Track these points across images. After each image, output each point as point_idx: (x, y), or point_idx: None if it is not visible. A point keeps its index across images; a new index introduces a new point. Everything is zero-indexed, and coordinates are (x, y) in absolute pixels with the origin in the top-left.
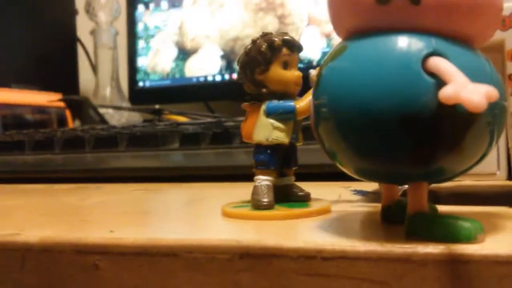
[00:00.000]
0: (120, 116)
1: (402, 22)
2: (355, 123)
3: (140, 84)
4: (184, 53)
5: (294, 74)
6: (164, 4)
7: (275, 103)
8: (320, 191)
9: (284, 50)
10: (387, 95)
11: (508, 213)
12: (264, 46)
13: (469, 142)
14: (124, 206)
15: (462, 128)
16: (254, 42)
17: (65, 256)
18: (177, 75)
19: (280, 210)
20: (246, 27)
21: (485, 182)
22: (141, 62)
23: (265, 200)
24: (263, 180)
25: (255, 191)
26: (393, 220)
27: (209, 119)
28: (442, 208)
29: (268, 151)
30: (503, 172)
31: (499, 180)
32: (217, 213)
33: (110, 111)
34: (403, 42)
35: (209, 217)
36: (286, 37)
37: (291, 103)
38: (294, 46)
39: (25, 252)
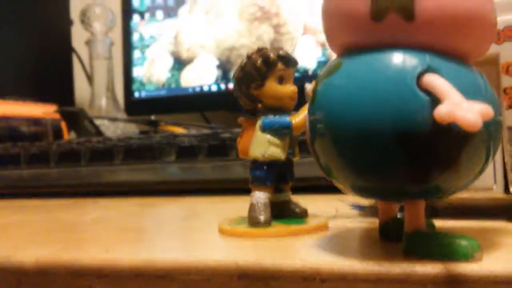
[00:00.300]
0: (116, 127)
1: (396, 39)
2: (350, 140)
3: (136, 94)
4: (179, 63)
5: (289, 89)
6: (159, 14)
7: (270, 118)
8: (317, 205)
9: (280, 65)
10: (382, 112)
11: (506, 228)
12: (259, 61)
13: (465, 159)
14: (120, 222)
15: (458, 145)
16: (249, 57)
17: (60, 278)
18: (173, 85)
19: (277, 228)
20: (241, 36)
21: (483, 194)
22: (137, 72)
23: (262, 217)
24: (260, 197)
25: (251, 208)
26: (391, 236)
27: (205, 131)
28: (439, 223)
29: (265, 167)
30: (499, 187)
31: (496, 195)
32: (214, 230)
33: (106, 122)
34: (397, 59)
35: (206, 234)
36: (281, 52)
37: (286, 118)
38: (289, 61)
39: (20, 276)
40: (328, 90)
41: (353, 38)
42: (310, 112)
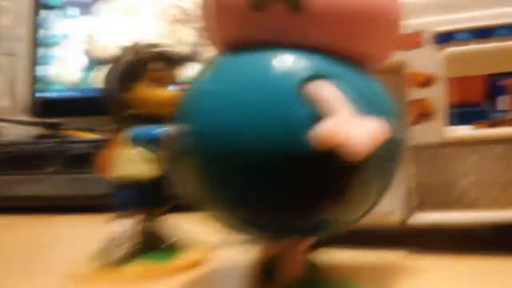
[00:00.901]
0: (19, 130)
1: (281, 35)
2: (219, 161)
3: (43, 95)
4: (94, 63)
5: (168, 93)
6: (73, 11)
7: (141, 129)
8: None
9: (157, 65)
10: (258, 129)
11: (404, 262)
12: (131, 59)
13: (358, 188)
14: None
15: (348, 171)
16: (121, 53)
17: None
18: (85, 86)
19: (135, 267)
20: (161, 38)
21: (382, 220)
22: (45, 71)
23: (116, 254)
24: (121, 226)
25: (108, 242)
26: (271, 279)
27: (100, 137)
28: (331, 253)
29: (132, 189)
30: (400, 212)
31: (396, 220)
32: (64, 269)
33: (6, 124)
34: (279, 61)
35: (53, 276)
36: (161, 49)
37: (161, 130)
38: (171, 60)
39: None
40: (196, 96)
41: (232, 32)
42: (176, 122)
